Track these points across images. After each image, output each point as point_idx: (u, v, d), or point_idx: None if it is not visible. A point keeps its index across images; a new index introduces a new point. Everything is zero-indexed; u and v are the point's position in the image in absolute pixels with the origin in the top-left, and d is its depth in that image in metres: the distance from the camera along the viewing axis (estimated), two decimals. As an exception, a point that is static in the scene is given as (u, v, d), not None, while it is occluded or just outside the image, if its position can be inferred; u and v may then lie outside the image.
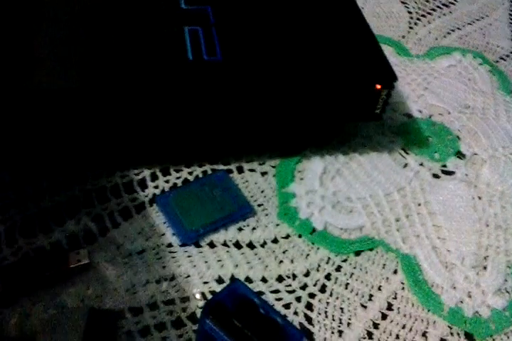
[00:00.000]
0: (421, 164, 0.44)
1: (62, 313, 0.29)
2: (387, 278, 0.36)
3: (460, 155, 0.45)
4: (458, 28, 0.58)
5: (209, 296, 0.34)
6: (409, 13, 0.59)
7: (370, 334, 0.34)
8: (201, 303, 0.34)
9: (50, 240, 0.35)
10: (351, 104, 0.39)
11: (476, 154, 0.45)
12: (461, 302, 0.36)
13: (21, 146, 0.37)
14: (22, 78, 0.34)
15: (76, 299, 0.33)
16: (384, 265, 0.37)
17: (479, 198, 0.42)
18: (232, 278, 0.35)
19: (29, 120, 0.34)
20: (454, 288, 0.36)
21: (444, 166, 0.44)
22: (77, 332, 0.28)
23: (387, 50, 0.53)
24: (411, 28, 0.58)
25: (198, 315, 0.33)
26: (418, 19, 0.59)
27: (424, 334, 0.34)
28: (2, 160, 0.39)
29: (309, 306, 0.35)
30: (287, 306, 0.34)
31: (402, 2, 0.60)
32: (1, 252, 0.34)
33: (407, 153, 0.44)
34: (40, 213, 0.37)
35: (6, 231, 0.36)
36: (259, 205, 0.39)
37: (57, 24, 0.38)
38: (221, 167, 0.41)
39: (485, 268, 0.38)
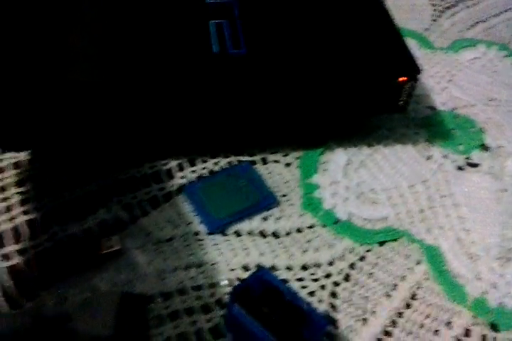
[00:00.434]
0: (445, 156, 0.44)
1: (95, 296, 0.30)
2: (411, 268, 0.37)
3: (485, 147, 0.45)
4: (483, 20, 0.58)
5: (235, 283, 0.35)
6: (433, 5, 0.59)
7: (394, 323, 0.34)
8: (228, 289, 0.34)
9: (83, 227, 0.37)
10: (375, 96, 0.39)
11: (501, 146, 0.45)
12: (486, 293, 0.36)
13: (55, 138, 0.38)
14: (57, 72, 0.35)
15: (108, 283, 0.34)
16: (408, 255, 0.37)
17: (504, 190, 0.42)
18: (258, 266, 0.36)
19: (61, 112, 0.35)
20: (479, 278, 0.36)
21: (469, 158, 0.44)
22: (110, 314, 0.29)
23: (411, 43, 0.53)
24: (434, 20, 0.57)
25: (225, 300, 0.34)
26: (442, 11, 0.59)
27: (448, 324, 0.34)
28: (36, 152, 0.41)
29: (334, 294, 0.35)
30: (312, 294, 0.35)
31: (426, -6, 0.60)
32: (37, 238, 0.36)
33: (431, 146, 0.45)
34: (73, 201, 0.38)
35: (41, 218, 0.37)
36: (283, 196, 0.40)
37: (87, 19, 0.39)
38: (246, 158, 0.42)
39: (510, 259, 0.38)
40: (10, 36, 0.36)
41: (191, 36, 0.38)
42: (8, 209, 0.37)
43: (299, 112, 0.40)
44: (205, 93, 0.37)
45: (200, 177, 0.40)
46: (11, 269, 0.34)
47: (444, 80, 0.51)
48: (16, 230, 0.36)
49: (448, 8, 0.59)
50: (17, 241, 0.36)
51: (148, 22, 0.39)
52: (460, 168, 0.43)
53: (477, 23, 0.58)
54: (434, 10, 0.59)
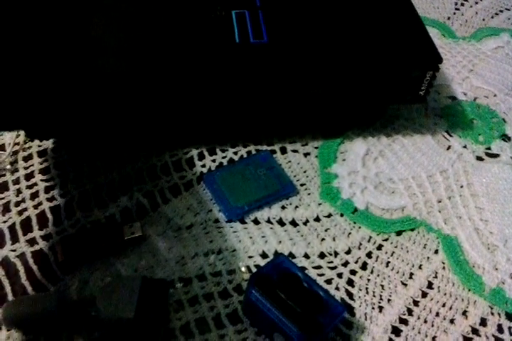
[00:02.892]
0: (464, 146, 0.44)
1: (117, 281, 0.31)
2: (428, 258, 0.37)
3: (505, 137, 0.45)
4: (507, 9, 0.57)
5: (254, 270, 0.35)
6: (456, -7, 0.58)
7: (410, 311, 0.34)
8: (246, 276, 0.35)
9: (105, 214, 0.38)
10: (395, 85, 0.39)
11: (522, 137, 0.45)
12: (503, 283, 0.36)
13: (79, 127, 0.39)
14: (81, 62, 0.35)
15: (130, 269, 0.35)
16: (425, 245, 0.38)
17: (524, 181, 0.42)
18: (277, 253, 0.36)
19: (84, 101, 0.36)
20: (496, 269, 0.36)
21: (489, 149, 0.44)
22: (131, 298, 0.30)
23: (432, 32, 0.53)
24: (457, 9, 0.57)
25: (244, 286, 0.34)
26: (465, 0, 0.58)
27: (464, 313, 0.34)
28: (61, 140, 0.42)
29: (350, 282, 0.36)
30: (329, 282, 0.35)
31: (449, -17, 0.59)
32: (62, 224, 0.37)
33: (451, 136, 0.44)
34: (96, 189, 0.39)
35: (65, 204, 0.38)
36: (301, 185, 0.40)
37: (111, 11, 0.39)
38: (265, 147, 0.43)
39: (528, 250, 0.38)
40: (33, 31, 0.37)
41: (215, 26, 0.39)
42: (34, 196, 0.38)
43: (319, 101, 0.40)
44: (227, 82, 0.37)
45: (219, 166, 0.41)
46: (36, 254, 0.35)
47: (466, 70, 0.50)
48: (41, 216, 0.37)
49: (471, -4, 0.58)
50: (42, 227, 0.37)
51: (173, 12, 0.39)
52: (479, 159, 0.43)
53: (501, 11, 0.57)
54: (458, -2, 0.58)
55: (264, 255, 0.36)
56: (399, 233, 0.38)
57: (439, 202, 0.40)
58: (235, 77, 0.37)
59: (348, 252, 0.37)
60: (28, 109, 0.36)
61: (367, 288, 0.35)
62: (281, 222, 0.38)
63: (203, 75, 0.36)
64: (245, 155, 0.42)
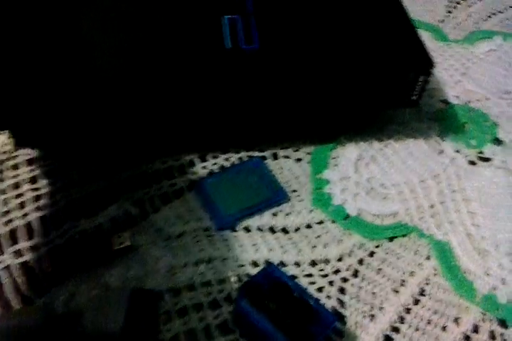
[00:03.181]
0: (457, 151, 0.43)
1: (106, 293, 0.31)
2: (420, 264, 0.37)
3: (498, 141, 0.44)
4: (499, 12, 0.57)
5: (244, 279, 0.35)
6: (449, -4, 0.58)
7: (401, 319, 0.34)
8: (237, 285, 0.35)
9: (94, 223, 0.37)
10: (387, 90, 0.39)
11: (514, 141, 0.44)
12: (495, 289, 0.36)
13: (68, 135, 0.38)
14: (70, 69, 0.35)
15: (119, 280, 0.34)
16: (417, 251, 0.37)
17: (516, 185, 0.41)
18: (267, 262, 0.36)
19: (73, 109, 0.36)
20: (488, 274, 0.36)
21: (481, 153, 0.44)
22: (120, 310, 0.30)
23: (425, 36, 0.52)
24: (450, 11, 0.57)
25: (234, 296, 0.34)
26: (457, 2, 0.58)
27: (456, 320, 0.34)
28: (50, 148, 0.41)
29: (342, 290, 0.35)
30: (320, 290, 0.35)
31: (441, -15, 0.59)
32: (49, 235, 0.36)
33: (443, 140, 0.44)
34: (84, 198, 0.39)
35: (52, 214, 0.38)
36: (293, 191, 0.40)
37: (101, 14, 0.39)
38: (256, 154, 0.42)
39: (520, 255, 0.37)
40: (26, 35, 0.37)
41: (205, 31, 0.38)
42: (22, 205, 0.38)
43: (311, 107, 0.40)
44: (217, 88, 0.37)
45: (211, 173, 0.41)
46: (23, 265, 0.35)
47: (458, 73, 0.50)
48: (28, 227, 0.37)
49: (464, -2, 0.58)
50: (29, 237, 0.36)
51: (162, 16, 0.39)
52: (472, 163, 0.43)
53: (494, 14, 0.57)
54: (450, 1, 0.58)
55: (255, 263, 0.36)
56: (391, 239, 0.38)
57: (431, 207, 0.40)
58: (226, 83, 0.36)
59: (340, 259, 0.37)
60: (17, 117, 0.35)
61: (358, 296, 0.35)
62: (272, 230, 0.38)
63: (193, 81, 0.36)
64: (237, 162, 0.42)
